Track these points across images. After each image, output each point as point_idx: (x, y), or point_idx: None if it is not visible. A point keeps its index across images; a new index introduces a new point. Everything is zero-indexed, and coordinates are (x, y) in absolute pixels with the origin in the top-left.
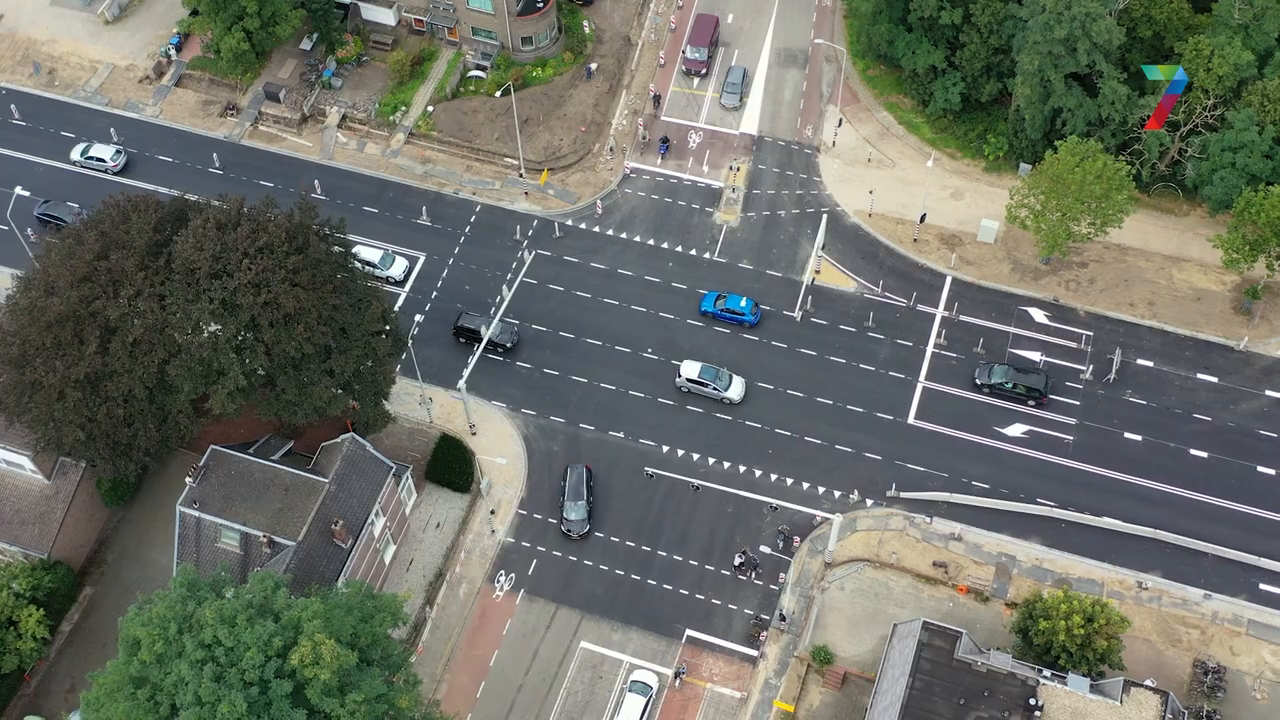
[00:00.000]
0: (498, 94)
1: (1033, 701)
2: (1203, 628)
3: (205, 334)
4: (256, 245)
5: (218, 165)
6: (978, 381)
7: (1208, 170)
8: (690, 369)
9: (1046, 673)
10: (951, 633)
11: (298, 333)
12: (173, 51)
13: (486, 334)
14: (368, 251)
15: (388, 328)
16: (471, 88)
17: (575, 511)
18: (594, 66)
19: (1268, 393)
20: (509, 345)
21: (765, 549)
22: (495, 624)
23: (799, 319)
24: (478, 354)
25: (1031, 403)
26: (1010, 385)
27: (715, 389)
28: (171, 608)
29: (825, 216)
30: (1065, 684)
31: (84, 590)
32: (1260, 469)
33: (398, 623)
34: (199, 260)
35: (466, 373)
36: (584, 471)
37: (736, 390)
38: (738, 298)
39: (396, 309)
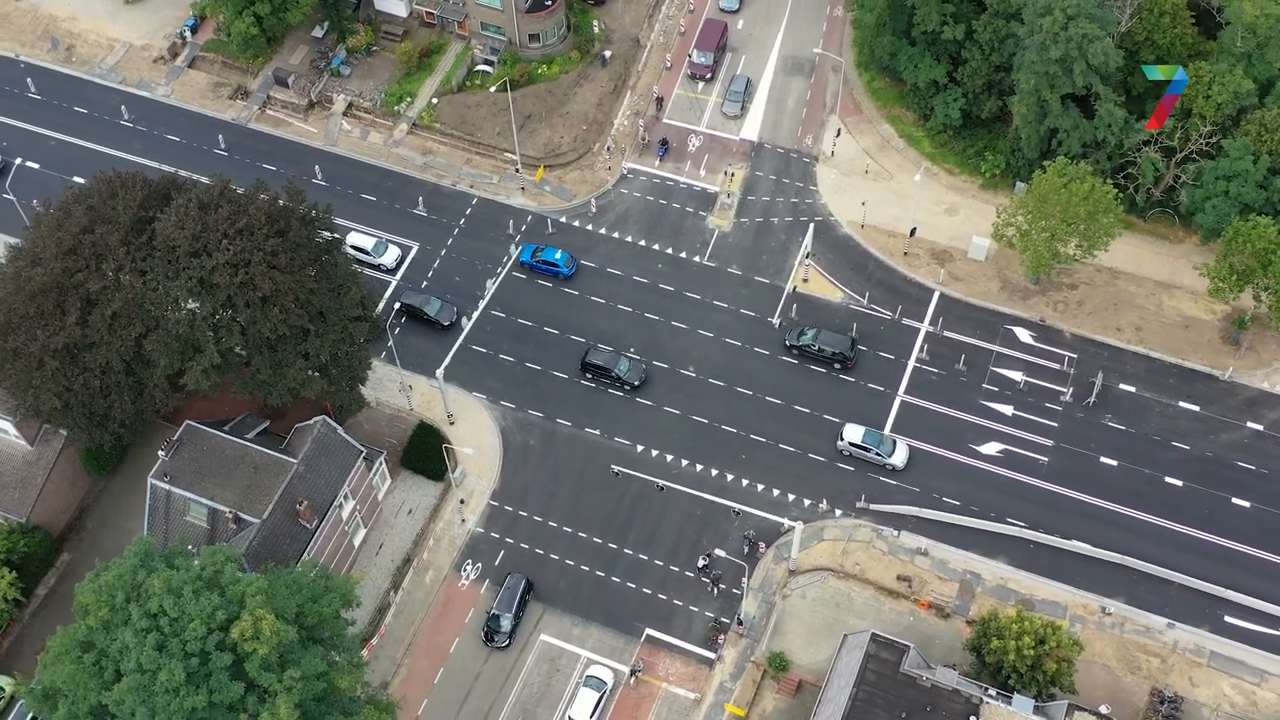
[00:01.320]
0: (492, 89)
1: (974, 719)
2: (1163, 656)
3: (183, 311)
4: (236, 226)
5: (223, 147)
6: (787, 343)
7: (1201, 197)
8: (853, 433)
9: (992, 692)
10: (899, 646)
11: (273, 314)
12: (188, 33)
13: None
14: (361, 238)
15: (373, 313)
16: (477, 82)
17: (505, 622)
18: (608, 54)
19: (1249, 424)
20: (636, 383)
21: (719, 552)
22: (459, 612)
23: (778, 326)
24: (458, 345)
25: (838, 366)
26: (817, 349)
27: (878, 454)
28: (121, 576)
29: (812, 226)
30: (1010, 704)
31: (61, 556)
32: (1235, 500)
33: (349, 604)
34: (179, 238)
35: (445, 362)
36: (522, 583)
37: (900, 456)
38: (553, 250)
39: (388, 296)
